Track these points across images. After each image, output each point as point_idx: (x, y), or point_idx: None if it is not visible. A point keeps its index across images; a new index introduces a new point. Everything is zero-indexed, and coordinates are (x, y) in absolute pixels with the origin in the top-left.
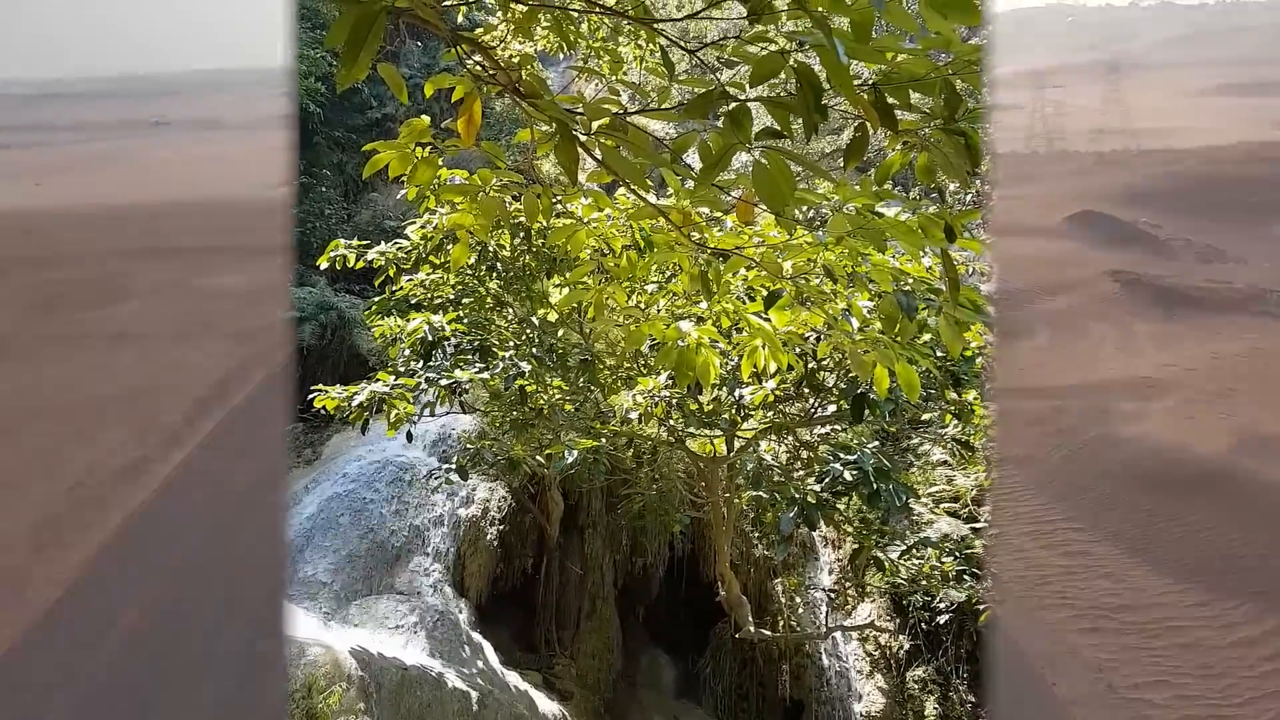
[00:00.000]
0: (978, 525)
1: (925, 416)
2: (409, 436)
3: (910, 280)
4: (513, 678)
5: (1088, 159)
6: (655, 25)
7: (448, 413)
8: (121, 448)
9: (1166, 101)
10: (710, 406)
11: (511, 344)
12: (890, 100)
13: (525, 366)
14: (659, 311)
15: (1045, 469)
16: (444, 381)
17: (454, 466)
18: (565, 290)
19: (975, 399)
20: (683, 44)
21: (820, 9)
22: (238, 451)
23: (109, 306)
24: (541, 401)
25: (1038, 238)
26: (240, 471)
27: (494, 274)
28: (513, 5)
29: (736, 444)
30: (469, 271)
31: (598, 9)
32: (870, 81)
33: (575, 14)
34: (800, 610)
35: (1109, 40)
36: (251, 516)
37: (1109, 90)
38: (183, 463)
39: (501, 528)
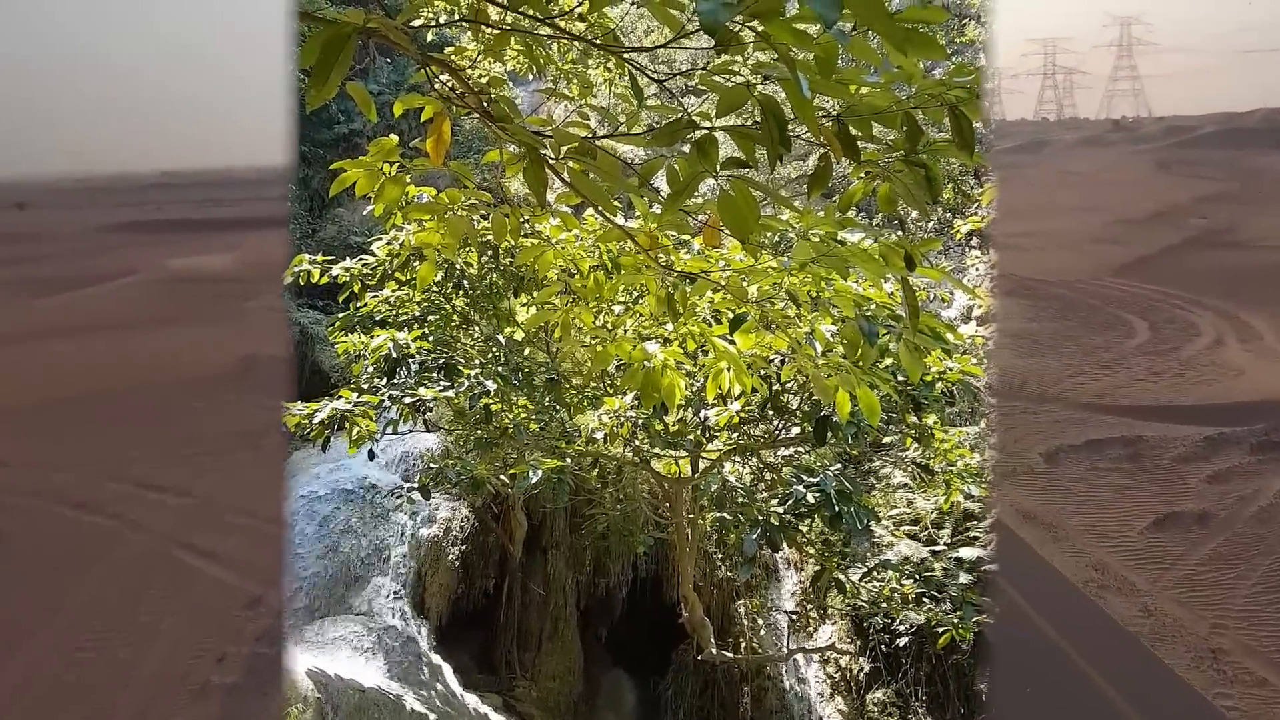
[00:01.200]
0: (937, 548)
1: (886, 440)
2: (370, 455)
3: (873, 306)
4: (472, 700)
5: (1103, 125)
6: (624, 54)
7: (410, 431)
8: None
9: (1181, 67)
10: (676, 427)
11: (477, 362)
12: (853, 131)
13: (491, 385)
14: (625, 332)
15: None
16: (407, 399)
17: (416, 485)
18: (532, 309)
19: (935, 423)
20: (651, 73)
21: (785, 42)
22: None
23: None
24: (507, 420)
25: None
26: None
27: (460, 292)
28: (483, 28)
29: (701, 465)
30: (435, 289)
31: (567, 35)
32: (834, 113)
33: (545, 38)
34: (762, 632)
35: (1122, 5)
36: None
37: (1122, 57)
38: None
39: (463, 548)
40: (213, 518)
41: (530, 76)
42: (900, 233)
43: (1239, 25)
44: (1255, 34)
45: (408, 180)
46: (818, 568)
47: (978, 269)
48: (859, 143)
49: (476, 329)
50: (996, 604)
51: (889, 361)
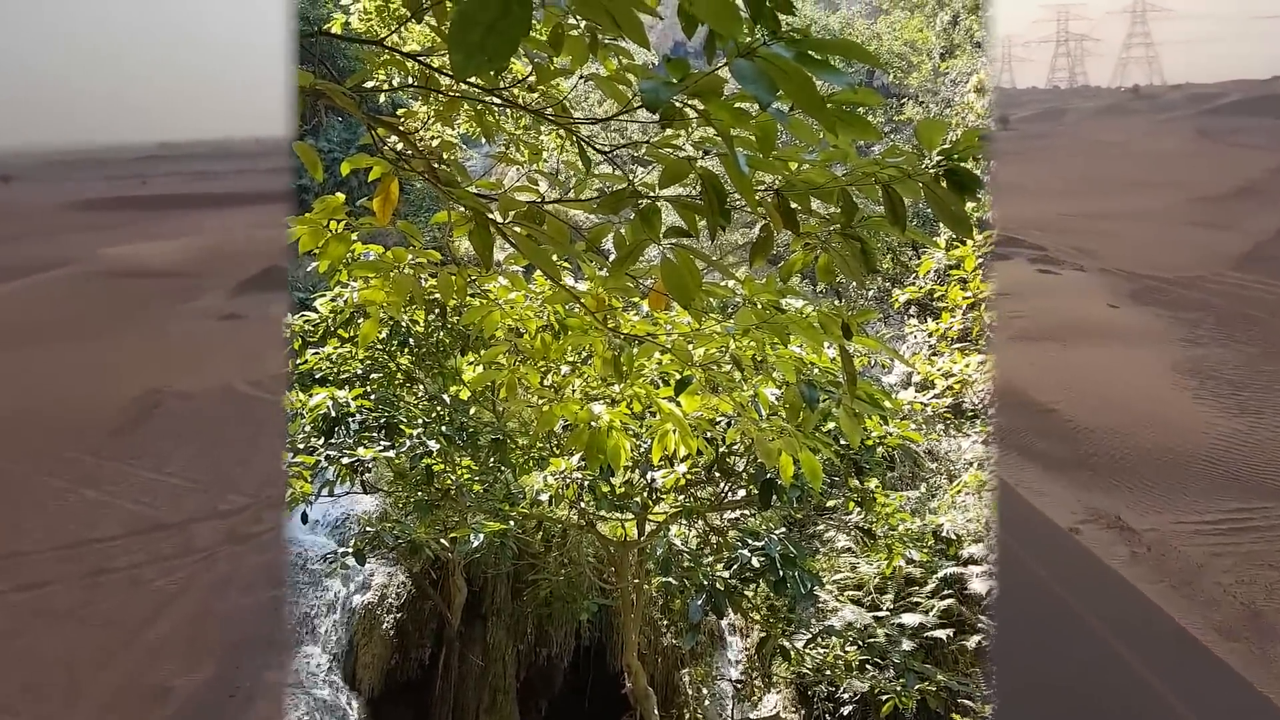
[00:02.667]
0: (880, 614)
1: (830, 504)
2: (304, 518)
3: (815, 370)
4: None
5: (1121, 93)
6: (573, 125)
7: (347, 492)
8: None
9: (1194, 33)
10: (622, 489)
11: (420, 421)
12: (793, 205)
13: (434, 445)
14: (572, 393)
15: None
16: (346, 459)
17: (350, 550)
18: (479, 368)
19: (877, 488)
20: (600, 143)
21: (724, 119)
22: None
23: None
24: (449, 482)
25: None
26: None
27: (405, 350)
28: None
29: (647, 528)
30: (379, 346)
31: (516, 105)
32: (775, 186)
33: (496, 105)
34: (707, 702)
35: None
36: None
37: (1135, 23)
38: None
39: (399, 615)
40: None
41: (482, 141)
42: (839, 301)
43: None
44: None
45: (354, 238)
46: (763, 634)
47: (915, 337)
48: (798, 216)
49: (421, 388)
50: None
51: (831, 425)
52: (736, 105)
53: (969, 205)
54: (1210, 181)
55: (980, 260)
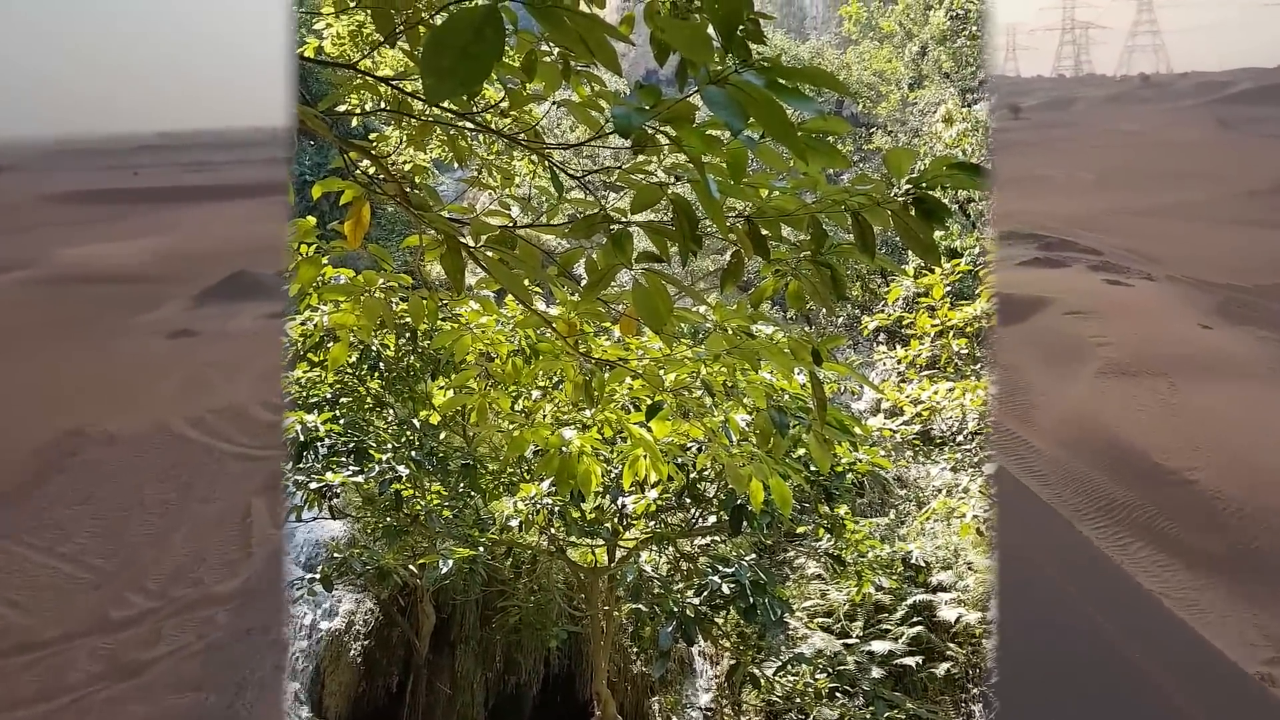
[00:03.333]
0: (849, 641)
1: (800, 530)
2: None
3: (785, 396)
4: None
5: (1131, 81)
6: (545, 150)
7: (315, 518)
8: None
9: (1200, 21)
10: (592, 515)
11: (390, 446)
12: (763, 231)
13: (403, 470)
14: (543, 418)
15: None
16: (314, 484)
17: (318, 576)
18: (449, 392)
19: (846, 514)
20: (572, 168)
21: (695, 146)
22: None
23: None
24: (418, 507)
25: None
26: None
27: (375, 374)
28: (406, 118)
29: (618, 554)
30: (349, 370)
31: (489, 130)
32: (746, 212)
33: (468, 130)
34: None
35: None
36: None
37: (1142, 10)
38: None
39: (366, 643)
40: None
41: (454, 165)
42: (809, 328)
43: None
44: None
45: (324, 261)
46: (733, 661)
47: (885, 364)
48: (769, 242)
49: (390, 412)
50: None
51: (801, 452)
52: (708, 132)
53: (937, 233)
54: (1245, 175)
55: (980, 267)
